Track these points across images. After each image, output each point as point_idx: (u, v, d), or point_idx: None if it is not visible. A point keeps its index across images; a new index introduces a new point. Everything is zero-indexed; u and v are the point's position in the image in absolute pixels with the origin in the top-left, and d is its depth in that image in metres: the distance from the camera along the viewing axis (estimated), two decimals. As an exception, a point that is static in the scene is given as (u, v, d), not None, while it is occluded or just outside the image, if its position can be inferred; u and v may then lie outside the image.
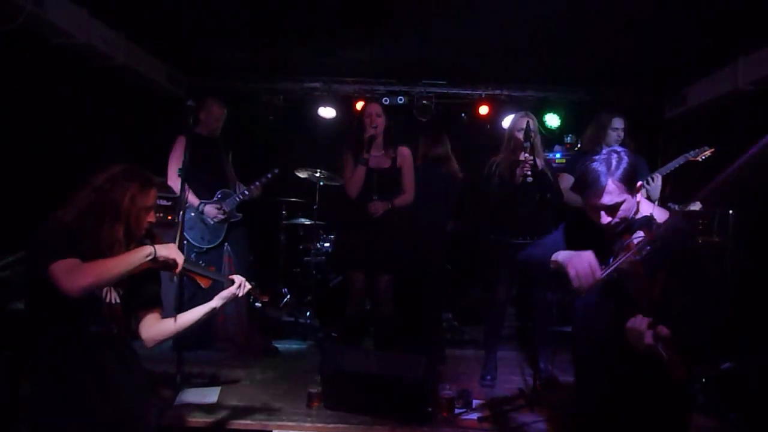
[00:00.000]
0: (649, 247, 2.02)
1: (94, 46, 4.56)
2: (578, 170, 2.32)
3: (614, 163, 2.13)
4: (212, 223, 4.53)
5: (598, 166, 2.15)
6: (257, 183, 4.57)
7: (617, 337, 2.07)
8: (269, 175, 4.58)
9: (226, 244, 4.63)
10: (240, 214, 4.65)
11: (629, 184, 2.14)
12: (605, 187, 2.11)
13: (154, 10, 4.58)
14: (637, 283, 2.07)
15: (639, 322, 1.98)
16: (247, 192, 4.57)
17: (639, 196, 2.24)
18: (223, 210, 4.52)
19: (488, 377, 4.18)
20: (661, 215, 2.23)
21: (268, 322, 5.07)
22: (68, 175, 4.32)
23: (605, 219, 2.16)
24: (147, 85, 5.76)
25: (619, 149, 2.21)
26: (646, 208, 2.26)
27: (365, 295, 4.61)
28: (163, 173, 4.63)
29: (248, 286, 2.43)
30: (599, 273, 2.04)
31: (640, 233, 2.08)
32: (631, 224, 2.18)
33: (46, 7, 3.86)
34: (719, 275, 3.69)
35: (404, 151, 4.45)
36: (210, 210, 4.48)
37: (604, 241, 2.23)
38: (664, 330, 1.93)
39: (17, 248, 3.70)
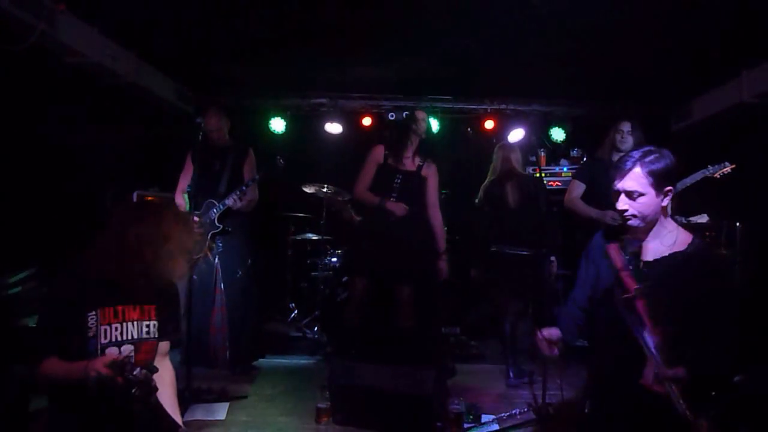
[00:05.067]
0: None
1: (104, 64, 4.61)
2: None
3: (651, 156, 2.14)
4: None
5: (635, 152, 2.18)
6: (233, 196, 4.45)
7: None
8: (243, 188, 4.48)
9: (216, 255, 4.59)
10: (221, 225, 4.51)
11: (658, 181, 2.12)
12: (631, 171, 2.13)
13: (163, 29, 4.64)
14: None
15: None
16: (227, 202, 4.47)
17: (666, 201, 2.18)
18: (200, 221, 4.49)
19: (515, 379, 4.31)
20: (686, 238, 2.22)
21: (252, 342, 4.91)
22: (79, 193, 4.43)
23: (621, 204, 2.15)
24: (156, 102, 5.81)
25: (664, 150, 2.20)
26: (671, 227, 2.25)
27: (365, 304, 4.61)
28: (172, 189, 4.69)
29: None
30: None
31: None
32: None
33: (57, 26, 3.91)
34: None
35: (432, 165, 4.54)
36: None
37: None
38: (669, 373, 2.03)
39: (28, 264, 3.76)
